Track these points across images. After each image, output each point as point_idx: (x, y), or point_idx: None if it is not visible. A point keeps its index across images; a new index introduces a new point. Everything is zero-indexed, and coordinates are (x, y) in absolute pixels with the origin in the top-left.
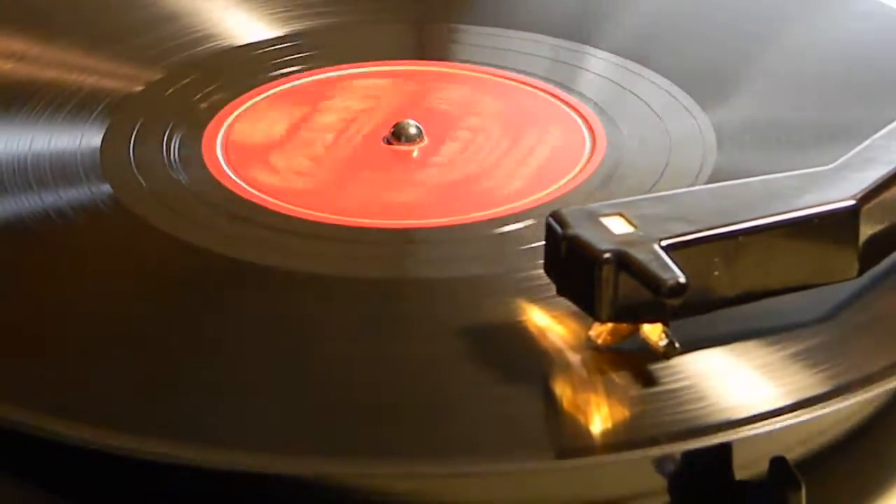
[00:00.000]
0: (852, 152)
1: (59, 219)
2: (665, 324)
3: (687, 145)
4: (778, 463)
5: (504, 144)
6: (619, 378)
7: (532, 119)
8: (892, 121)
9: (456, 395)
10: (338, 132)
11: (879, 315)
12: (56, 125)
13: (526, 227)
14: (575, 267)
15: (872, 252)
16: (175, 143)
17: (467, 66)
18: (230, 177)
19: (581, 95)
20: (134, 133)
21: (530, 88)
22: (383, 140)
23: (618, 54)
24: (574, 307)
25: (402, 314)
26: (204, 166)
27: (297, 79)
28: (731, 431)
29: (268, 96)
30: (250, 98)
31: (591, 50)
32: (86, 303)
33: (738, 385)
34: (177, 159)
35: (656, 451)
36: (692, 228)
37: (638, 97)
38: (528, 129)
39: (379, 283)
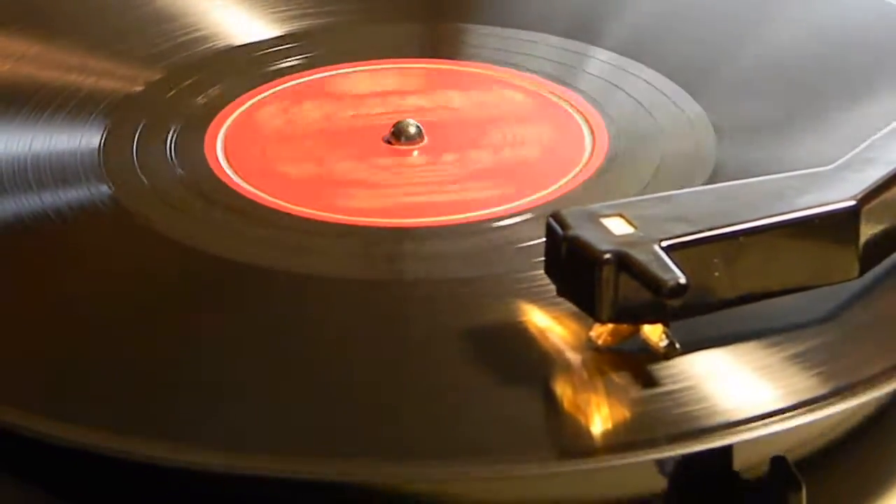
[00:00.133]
0: (852, 152)
1: (58, 219)
2: (665, 325)
3: (686, 143)
4: (778, 463)
5: (504, 144)
6: (620, 379)
7: (532, 118)
8: (890, 117)
9: (456, 396)
10: (338, 132)
11: (880, 316)
12: (56, 125)
13: (526, 228)
14: (575, 268)
15: (873, 252)
16: (175, 143)
17: (467, 64)
18: (230, 177)
19: (582, 93)
20: (134, 133)
21: (531, 87)
22: (383, 140)
23: (618, 53)
24: (574, 308)
25: (402, 314)
26: (204, 166)
27: (297, 78)
28: (731, 433)
29: (268, 96)
30: (250, 98)
31: (592, 49)
32: (85, 303)
33: (739, 386)
34: (177, 159)
35: (657, 453)
36: (692, 229)
37: (636, 99)
38: (528, 128)
39: (379, 283)
